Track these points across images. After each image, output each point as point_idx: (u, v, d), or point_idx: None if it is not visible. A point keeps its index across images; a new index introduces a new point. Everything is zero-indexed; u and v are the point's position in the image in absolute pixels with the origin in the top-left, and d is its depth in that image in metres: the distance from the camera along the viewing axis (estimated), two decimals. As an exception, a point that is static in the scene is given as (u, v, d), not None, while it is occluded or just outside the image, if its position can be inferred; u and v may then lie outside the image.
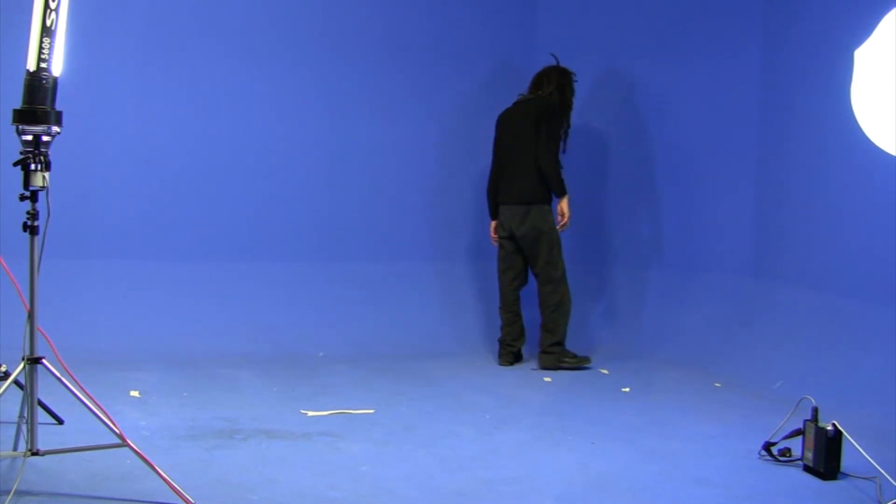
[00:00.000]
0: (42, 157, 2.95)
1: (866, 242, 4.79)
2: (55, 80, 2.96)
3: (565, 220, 5.41)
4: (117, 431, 3.06)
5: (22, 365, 3.01)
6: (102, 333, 5.20)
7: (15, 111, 2.92)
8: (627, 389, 4.94)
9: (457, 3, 6.10)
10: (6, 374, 3.63)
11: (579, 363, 5.39)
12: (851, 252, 4.90)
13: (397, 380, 4.94)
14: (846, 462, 3.58)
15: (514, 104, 5.53)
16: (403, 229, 6.06)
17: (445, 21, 6.07)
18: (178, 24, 5.56)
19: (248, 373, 4.93)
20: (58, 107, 2.99)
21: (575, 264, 6.04)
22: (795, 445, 3.73)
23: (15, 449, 3.26)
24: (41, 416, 3.33)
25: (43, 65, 2.91)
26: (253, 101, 5.73)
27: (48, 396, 3.63)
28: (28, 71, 2.92)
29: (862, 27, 4.77)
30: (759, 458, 3.79)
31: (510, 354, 5.47)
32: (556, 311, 5.39)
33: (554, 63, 5.54)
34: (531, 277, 5.54)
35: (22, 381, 3.05)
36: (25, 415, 3.02)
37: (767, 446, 3.78)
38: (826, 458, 3.54)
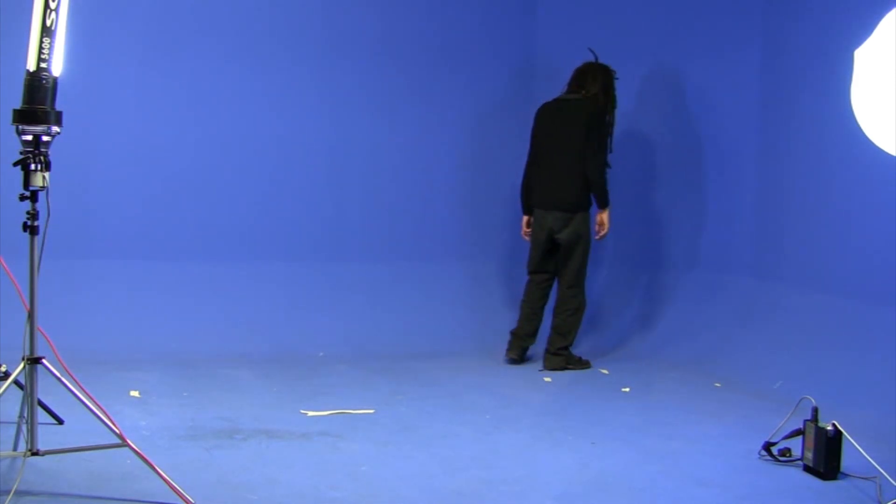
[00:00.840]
0: (42, 157, 2.95)
1: (866, 242, 4.79)
2: (55, 80, 2.96)
3: (605, 230, 5.40)
4: (117, 431, 3.06)
5: (22, 365, 3.01)
6: (102, 333, 5.20)
7: (15, 111, 2.92)
8: (627, 389, 4.94)
9: (457, 3, 6.10)
10: (6, 374, 3.63)
11: (582, 366, 5.39)
12: (851, 252, 4.90)
13: (397, 380, 4.94)
14: (846, 462, 3.58)
15: (558, 101, 5.37)
16: (403, 229, 6.06)
17: (446, 21, 6.07)
18: (178, 25, 5.56)
19: (248, 373, 4.93)
20: (58, 107, 2.99)
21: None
22: (795, 445, 3.73)
23: (15, 449, 3.26)
24: (41, 416, 3.33)
25: (43, 65, 2.91)
26: (253, 100, 5.73)
27: (48, 396, 3.63)
28: (28, 71, 2.92)
29: (862, 27, 4.77)
30: (759, 458, 3.79)
31: (521, 349, 5.42)
32: (573, 315, 5.39)
33: (593, 59, 5.41)
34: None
35: (22, 381, 3.05)
36: (25, 415, 3.02)
37: (767, 446, 3.78)
38: (826, 458, 3.54)
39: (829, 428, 3.55)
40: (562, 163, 5.28)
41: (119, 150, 5.51)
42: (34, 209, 2.99)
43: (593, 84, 5.32)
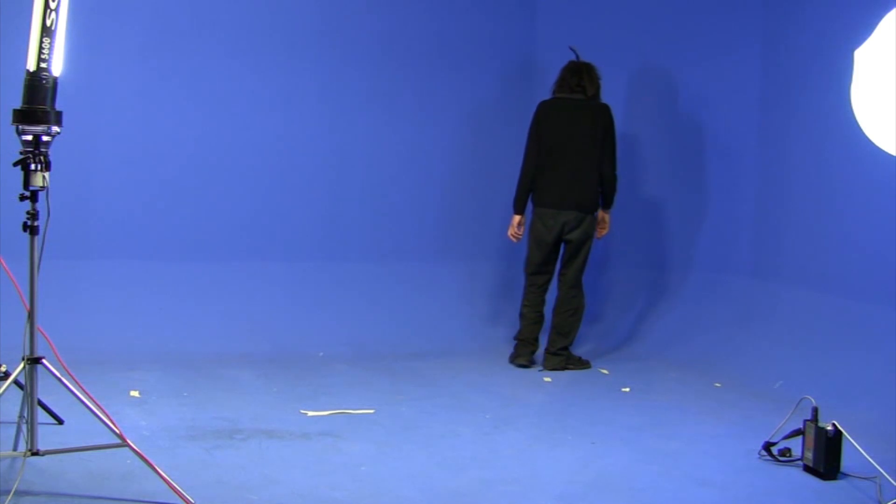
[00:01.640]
0: (42, 157, 2.95)
1: (866, 242, 4.79)
2: (55, 80, 2.96)
3: (607, 230, 5.43)
4: (117, 431, 3.06)
5: (22, 365, 3.01)
6: (102, 333, 5.20)
7: (15, 111, 2.92)
8: (627, 389, 4.94)
9: (457, 2, 6.10)
10: (6, 374, 3.63)
11: (582, 366, 5.39)
12: (851, 252, 4.90)
13: (397, 380, 4.94)
14: (846, 462, 3.58)
15: (564, 101, 5.31)
16: (403, 229, 6.06)
17: (446, 20, 6.07)
18: (178, 24, 5.55)
19: (248, 373, 4.93)
20: (58, 107, 2.99)
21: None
22: (795, 445, 3.74)
23: (15, 449, 3.26)
24: (41, 416, 3.33)
25: (43, 65, 2.91)
26: (253, 100, 5.73)
27: (48, 396, 3.63)
28: (28, 71, 2.92)
29: (862, 27, 4.77)
30: (759, 458, 3.79)
31: (529, 354, 5.39)
32: (573, 315, 5.39)
33: (575, 58, 5.40)
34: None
35: (22, 381, 3.05)
36: (25, 415, 3.02)
37: (767, 446, 3.78)
38: (826, 458, 3.55)
39: (829, 428, 3.55)
40: (579, 163, 5.25)
41: (119, 150, 5.51)
42: (34, 209, 2.99)
43: (591, 85, 5.31)
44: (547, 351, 5.39)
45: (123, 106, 5.51)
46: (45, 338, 3.13)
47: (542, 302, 5.46)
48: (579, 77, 5.31)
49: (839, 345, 4.83)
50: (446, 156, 6.11)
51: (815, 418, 3.63)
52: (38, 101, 2.92)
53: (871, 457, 3.50)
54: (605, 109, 5.31)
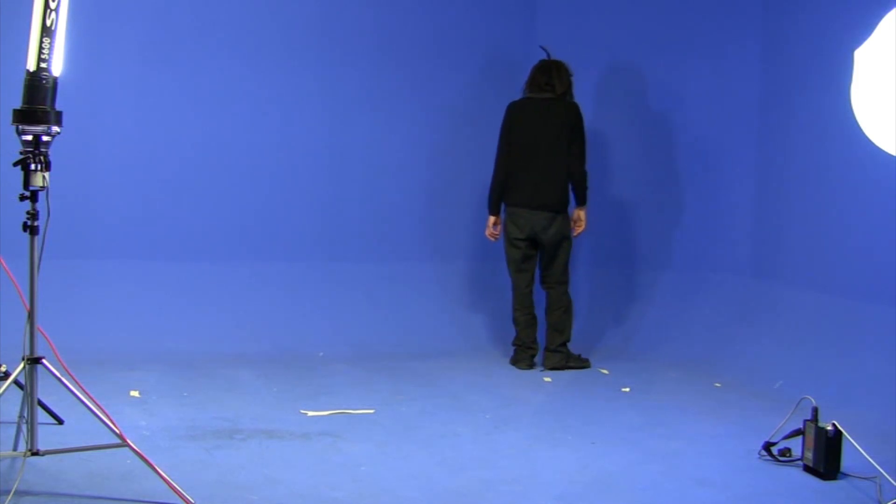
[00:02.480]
0: (42, 157, 2.95)
1: (866, 242, 4.79)
2: (55, 80, 2.96)
3: (583, 227, 5.41)
4: (117, 431, 3.06)
5: (22, 365, 3.01)
6: (102, 333, 5.20)
7: (15, 111, 2.92)
8: (627, 389, 4.94)
9: (457, 3, 6.10)
10: (6, 374, 3.63)
11: (582, 364, 5.40)
12: (851, 252, 4.90)
13: (397, 380, 4.94)
14: (846, 462, 3.58)
15: (532, 101, 5.33)
16: (403, 229, 6.06)
17: (445, 20, 6.06)
18: (178, 24, 5.55)
19: (248, 373, 4.93)
20: (58, 107, 2.99)
21: (575, 266, 6.04)
22: (795, 445, 3.73)
23: (15, 449, 3.26)
24: (41, 416, 3.33)
25: (43, 65, 2.91)
26: (252, 100, 5.73)
27: (48, 396, 3.63)
28: (28, 71, 2.92)
29: (862, 27, 4.77)
30: (759, 458, 3.79)
31: (529, 358, 5.39)
32: (566, 312, 5.41)
33: (546, 56, 5.41)
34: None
35: (22, 381, 3.05)
36: (25, 415, 3.02)
37: (767, 446, 3.78)
38: (826, 458, 3.55)
39: (829, 428, 3.55)
40: (548, 163, 5.26)
41: (119, 150, 5.51)
42: (34, 209, 2.99)
43: (560, 83, 5.31)
44: (546, 349, 5.40)
45: (123, 106, 5.51)
46: (45, 338, 3.13)
47: (532, 303, 5.46)
48: (549, 76, 5.32)
49: (839, 345, 4.83)
50: (446, 156, 6.11)
51: (815, 418, 3.63)
52: (38, 101, 2.92)
53: (871, 457, 3.50)
54: (573, 107, 5.31)
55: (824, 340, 4.93)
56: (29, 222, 2.99)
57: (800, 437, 3.68)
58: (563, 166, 5.27)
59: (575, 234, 5.43)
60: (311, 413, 4.23)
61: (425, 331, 5.79)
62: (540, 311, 5.50)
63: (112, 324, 5.29)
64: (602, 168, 6.16)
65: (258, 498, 3.16)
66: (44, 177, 2.95)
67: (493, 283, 6.08)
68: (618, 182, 6.18)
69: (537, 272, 5.48)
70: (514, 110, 5.38)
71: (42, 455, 3.01)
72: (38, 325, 3.03)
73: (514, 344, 5.48)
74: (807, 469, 3.63)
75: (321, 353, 5.43)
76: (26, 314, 3.01)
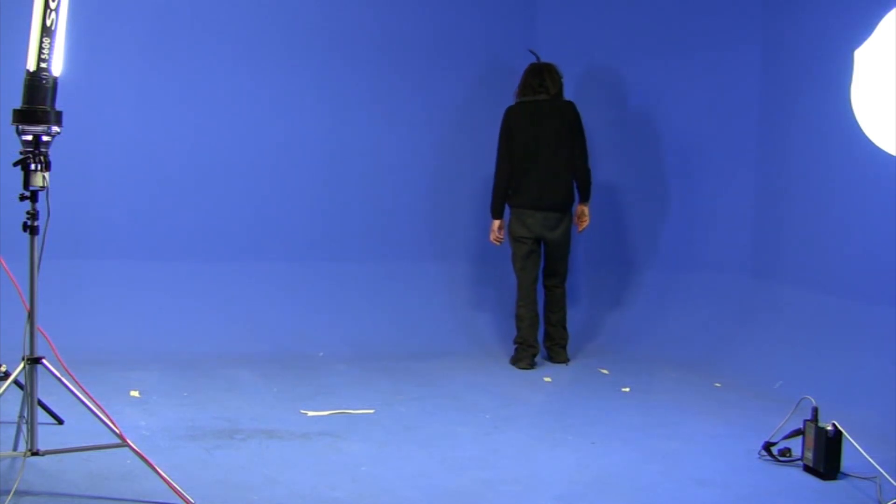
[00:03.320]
0: (42, 157, 2.95)
1: (866, 242, 4.79)
2: (55, 80, 2.96)
3: (587, 222, 5.52)
4: (117, 431, 3.06)
5: (22, 365, 3.01)
6: (102, 333, 5.20)
7: (15, 111, 2.92)
8: (627, 389, 4.94)
9: (456, 3, 6.10)
10: (6, 374, 3.63)
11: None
12: (851, 252, 4.90)
13: (397, 380, 4.94)
14: (846, 462, 3.58)
15: (528, 104, 5.38)
16: (403, 229, 6.06)
17: (444, 21, 6.06)
18: (178, 25, 5.55)
19: (248, 373, 4.93)
20: (58, 107, 2.99)
21: (575, 266, 6.05)
22: (795, 445, 3.73)
23: (15, 449, 3.26)
24: (41, 416, 3.34)
25: (43, 65, 2.91)
26: (253, 100, 5.73)
27: (48, 396, 3.64)
28: (28, 71, 2.92)
29: (862, 27, 4.77)
30: (759, 458, 3.79)
31: (531, 357, 5.40)
32: (565, 310, 5.56)
33: (536, 60, 5.47)
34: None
35: (22, 381, 3.05)
36: (25, 415, 3.02)
37: (767, 446, 3.78)
38: (826, 458, 3.55)
39: (829, 428, 3.55)
40: (552, 163, 5.33)
41: (119, 151, 5.51)
42: (34, 209, 2.99)
43: (553, 84, 5.38)
44: (557, 345, 5.50)
45: (123, 106, 5.51)
46: (45, 338, 3.13)
47: (536, 302, 5.50)
48: (541, 78, 5.38)
49: (839, 345, 4.83)
50: (446, 157, 6.11)
51: (815, 418, 3.63)
52: (38, 101, 2.92)
53: (871, 457, 3.50)
54: (570, 106, 5.39)
55: (824, 340, 4.93)
56: (29, 222, 2.99)
57: (800, 437, 3.68)
58: (566, 165, 5.35)
59: (580, 229, 5.54)
60: (311, 413, 4.23)
61: (425, 331, 5.79)
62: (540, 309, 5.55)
63: (112, 324, 5.29)
64: (602, 168, 6.16)
65: (258, 498, 3.16)
66: (44, 177, 2.95)
67: (493, 283, 6.08)
68: (618, 182, 6.18)
69: (540, 270, 5.53)
70: (511, 115, 5.43)
71: (42, 455, 3.01)
72: (38, 325, 3.03)
73: (515, 342, 5.48)
74: (807, 469, 3.63)
75: (321, 353, 5.43)
76: (26, 314, 3.01)
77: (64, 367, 3.14)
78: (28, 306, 3.01)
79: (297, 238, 5.84)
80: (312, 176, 5.86)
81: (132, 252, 5.53)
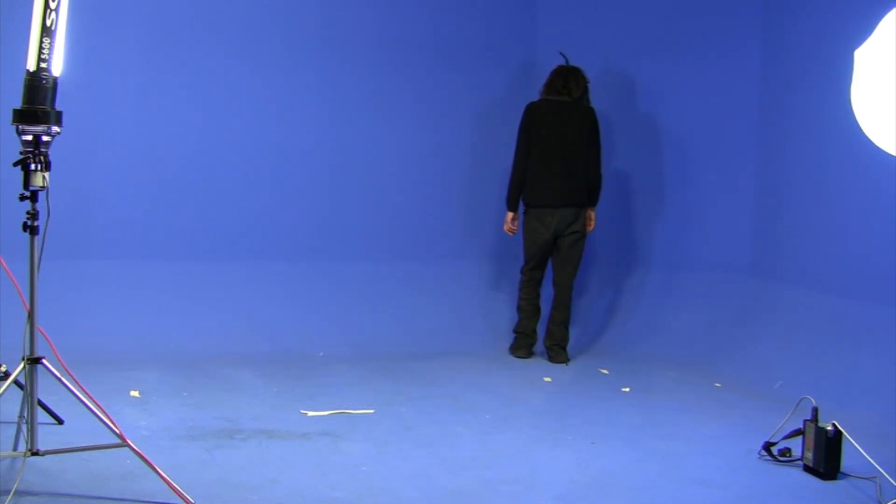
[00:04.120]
0: (42, 157, 2.95)
1: (866, 242, 4.79)
2: (55, 80, 2.96)
3: (594, 225, 5.61)
4: (117, 431, 3.06)
5: (22, 365, 3.01)
6: (102, 333, 5.20)
7: (15, 111, 2.92)
8: (627, 389, 4.94)
9: (457, 4, 6.10)
10: (6, 374, 3.63)
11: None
12: (851, 252, 4.90)
13: (397, 380, 4.94)
14: (846, 462, 3.58)
15: (551, 102, 5.45)
16: (403, 229, 6.06)
17: (446, 22, 6.06)
18: (178, 25, 5.55)
19: (248, 373, 4.93)
20: (58, 107, 2.99)
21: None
22: (795, 445, 3.73)
23: (15, 449, 3.26)
24: (41, 416, 3.34)
25: (43, 65, 2.91)
26: (253, 101, 5.73)
27: (48, 396, 3.63)
28: (28, 71, 2.92)
29: (862, 27, 4.77)
30: (759, 458, 3.79)
31: (528, 346, 5.56)
32: (570, 309, 5.59)
33: (564, 62, 5.55)
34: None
35: (22, 381, 3.05)
36: (25, 415, 3.02)
37: (767, 446, 3.78)
38: (826, 458, 3.55)
39: (829, 428, 3.55)
40: (569, 161, 5.41)
41: (119, 151, 5.51)
42: (34, 209, 2.99)
43: (577, 87, 5.46)
44: (557, 345, 5.50)
45: (123, 106, 5.51)
46: (45, 338, 3.12)
47: (538, 295, 5.62)
48: (566, 80, 5.47)
49: (839, 345, 4.83)
50: (446, 156, 6.11)
51: (815, 418, 3.63)
52: (38, 101, 2.92)
53: (871, 457, 3.50)
54: (591, 112, 5.48)
55: (824, 340, 4.93)
56: (29, 222, 2.99)
57: (800, 437, 3.68)
58: (582, 167, 5.43)
59: (587, 231, 5.59)
60: (311, 413, 4.23)
61: (425, 331, 5.79)
62: (545, 305, 5.62)
63: (112, 324, 5.29)
64: (603, 168, 6.17)
65: (258, 498, 3.16)
66: (44, 177, 2.95)
67: (494, 283, 6.08)
68: (618, 182, 6.18)
69: (549, 270, 5.61)
70: (533, 111, 5.50)
71: (42, 455, 3.01)
72: (38, 325, 3.03)
73: (515, 331, 5.61)
74: (807, 469, 3.63)
75: (321, 353, 5.43)
76: (26, 314, 3.01)
77: (64, 367, 3.14)
78: (28, 306, 3.01)
79: (297, 238, 5.84)
80: (312, 176, 5.86)
81: (132, 252, 5.53)
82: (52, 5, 2.89)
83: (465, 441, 3.93)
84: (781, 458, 3.74)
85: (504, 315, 5.91)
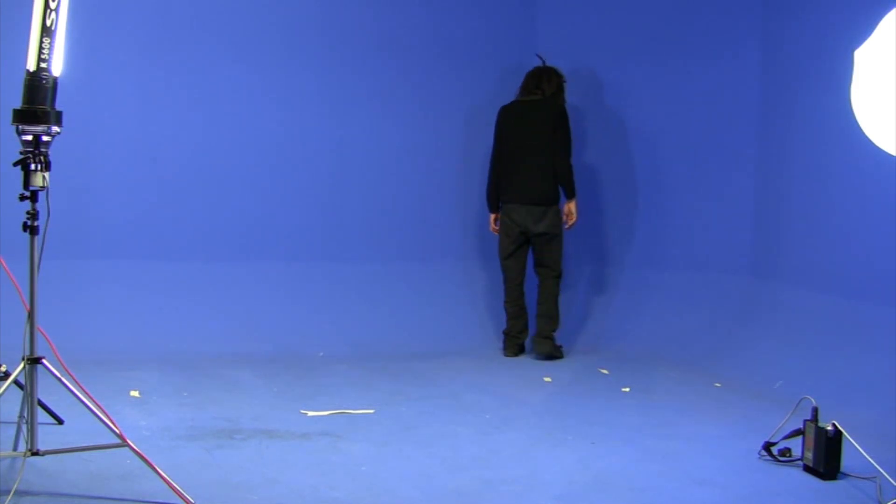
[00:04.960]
0: (42, 157, 2.95)
1: (866, 242, 4.79)
2: (55, 80, 2.96)
3: (574, 219, 5.63)
4: (117, 431, 3.06)
5: (22, 365, 3.01)
6: (102, 333, 5.20)
7: (15, 111, 2.92)
8: (627, 389, 4.94)
9: (457, 3, 6.10)
10: (6, 374, 3.63)
11: (560, 356, 5.59)
12: (851, 252, 4.90)
13: (397, 380, 4.94)
14: (846, 462, 3.58)
15: (519, 103, 5.61)
16: (403, 230, 6.06)
17: (445, 22, 6.07)
18: (178, 24, 5.56)
19: (248, 373, 4.93)
20: (58, 107, 2.99)
21: (575, 264, 6.05)
22: (795, 445, 3.73)
23: (15, 449, 3.26)
24: (41, 416, 3.33)
25: (43, 65, 2.91)
26: (253, 101, 5.73)
27: (48, 396, 3.63)
28: (28, 71, 2.92)
29: (862, 27, 4.77)
30: (759, 458, 3.79)
31: (516, 346, 5.65)
32: (556, 301, 5.65)
33: (541, 63, 5.67)
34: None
35: (22, 381, 3.05)
36: (25, 415, 3.02)
37: (767, 446, 3.78)
38: (826, 458, 3.54)
39: (829, 428, 3.55)
40: (533, 160, 5.50)
41: (119, 150, 5.51)
42: (34, 209, 2.99)
43: (549, 85, 5.58)
44: (538, 336, 5.58)
45: (123, 106, 5.51)
46: (45, 338, 3.12)
47: (521, 294, 5.70)
48: (538, 80, 5.61)
49: (839, 345, 4.83)
50: (445, 156, 6.12)
51: (815, 418, 3.63)
52: (38, 101, 2.92)
53: (871, 457, 3.50)
54: (557, 106, 5.57)
55: (824, 340, 4.93)
56: (29, 222, 2.99)
57: (800, 437, 3.68)
58: (549, 162, 5.50)
59: (567, 226, 5.66)
60: (311, 413, 4.23)
61: (425, 331, 5.79)
62: (531, 302, 5.69)
63: (112, 324, 5.29)
64: (602, 168, 6.17)
65: (258, 498, 3.16)
66: (44, 177, 2.95)
67: (493, 283, 6.08)
68: (618, 182, 6.18)
69: (530, 264, 5.69)
70: (503, 113, 5.65)
71: (42, 455, 3.01)
72: (38, 325, 3.03)
73: (503, 333, 5.72)
74: (807, 469, 3.63)
75: (321, 353, 5.43)
76: (26, 314, 3.01)
77: (64, 367, 3.14)
78: (28, 306, 3.01)
79: (298, 238, 5.85)
80: (313, 176, 5.86)
81: (132, 252, 5.53)
82: (52, 5, 2.89)
83: (465, 441, 3.93)
84: (781, 458, 3.74)
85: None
